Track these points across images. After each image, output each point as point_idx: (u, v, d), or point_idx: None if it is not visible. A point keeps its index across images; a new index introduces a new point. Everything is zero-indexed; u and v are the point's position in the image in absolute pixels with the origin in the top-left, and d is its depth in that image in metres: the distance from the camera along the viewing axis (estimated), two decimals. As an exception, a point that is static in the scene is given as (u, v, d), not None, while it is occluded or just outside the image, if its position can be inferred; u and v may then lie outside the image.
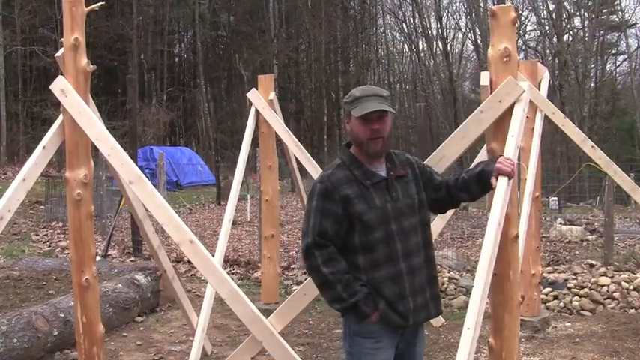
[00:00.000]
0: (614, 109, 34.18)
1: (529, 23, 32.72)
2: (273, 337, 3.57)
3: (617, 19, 32.02)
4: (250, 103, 6.51)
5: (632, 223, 12.90)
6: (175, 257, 9.00)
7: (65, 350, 5.36)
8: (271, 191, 6.78)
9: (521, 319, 3.78)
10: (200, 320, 4.88)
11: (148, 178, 3.88)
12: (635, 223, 12.81)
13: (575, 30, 30.92)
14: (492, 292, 3.09)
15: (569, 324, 6.42)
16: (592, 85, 30.79)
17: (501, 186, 2.86)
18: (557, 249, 10.17)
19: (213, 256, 4.19)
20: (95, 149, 3.87)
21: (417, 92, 35.45)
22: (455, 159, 3.31)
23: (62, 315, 5.36)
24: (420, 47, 34.43)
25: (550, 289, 7.11)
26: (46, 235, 11.51)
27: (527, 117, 4.15)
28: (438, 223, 5.40)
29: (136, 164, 4.41)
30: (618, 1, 32.15)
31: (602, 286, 7.13)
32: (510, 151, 3.01)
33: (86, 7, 3.84)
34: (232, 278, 5.09)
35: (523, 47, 31.58)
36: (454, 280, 7.37)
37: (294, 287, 7.38)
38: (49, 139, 3.82)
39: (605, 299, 7.01)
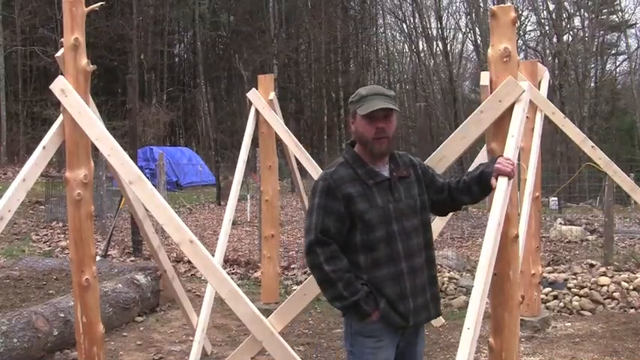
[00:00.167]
0: (614, 109, 34.18)
1: (529, 23, 32.78)
2: (273, 337, 3.57)
3: (617, 19, 32.03)
4: (250, 103, 6.51)
5: (632, 223, 12.90)
6: (175, 257, 9.01)
7: (65, 350, 5.36)
8: (271, 191, 6.77)
9: (521, 319, 3.78)
10: (200, 320, 4.88)
11: (148, 178, 3.88)
12: (635, 223, 12.81)
13: (575, 30, 30.95)
14: (492, 292, 3.09)
15: (569, 324, 6.42)
16: (592, 85, 30.79)
17: (501, 186, 2.86)
18: (557, 249, 10.17)
19: (213, 256, 4.19)
20: (95, 149, 3.87)
21: (417, 92, 35.46)
22: (455, 159, 3.31)
23: (62, 315, 5.36)
24: (420, 47, 34.47)
25: (550, 289, 7.11)
26: (46, 235, 11.51)
27: (527, 117, 4.15)
28: (438, 224, 5.39)
29: (136, 164, 4.41)
30: (618, 1, 32.18)
31: (602, 286, 7.13)
32: (510, 151, 3.01)
33: (86, 7, 3.84)
34: (232, 278, 5.09)
35: (523, 47, 31.60)
36: (454, 280, 7.37)
37: (294, 287, 7.38)
38: (49, 139, 3.82)
39: (605, 299, 7.01)
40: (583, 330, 6.18)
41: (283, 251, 9.43)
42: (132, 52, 30.86)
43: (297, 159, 6.54)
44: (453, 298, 7.17)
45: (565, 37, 30.12)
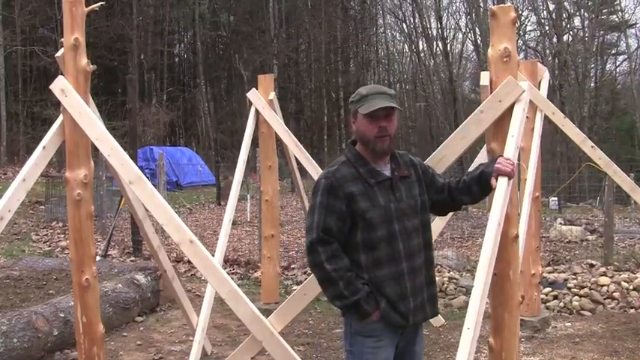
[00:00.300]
0: (614, 109, 34.18)
1: (529, 23, 32.77)
2: (273, 337, 3.57)
3: (617, 19, 32.02)
4: (250, 103, 6.51)
5: (632, 223, 12.90)
6: (175, 257, 9.01)
7: (65, 350, 5.36)
8: (271, 191, 6.77)
9: (521, 319, 3.78)
10: (200, 320, 4.88)
11: (148, 178, 3.88)
12: (635, 223, 12.81)
13: (575, 30, 30.94)
14: (492, 292, 3.09)
15: (569, 324, 6.42)
16: (592, 85, 30.78)
17: (501, 186, 2.87)
18: (557, 249, 10.16)
19: (213, 256, 4.19)
20: (95, 149, 3.87)
21: (417, 92, 35.45)
22: (455, 159, 3.31)
23: (62, 315, 5.35)
24: (420, 47, 34.46)
25: (550, 289, 7.11)
26: (46, 235, 11.51)
27: (527, 117, 4.15)
28: (438, 224, 5.39)
29: (136, 164, 4.42)
30: (618, 1, 32.17)
31: (602, 286, 7.13)
32: (510, 151, 3.01)
33: (86, 7, 3.84)
34: (232, 278, 5.09)
35: (523, 47, 31.60)
36: (454, 280, 7.37)
37: (294, 287, 7.38)
38: (49, 139, 3.82)
39: (605, 299, 7.01)
40: (583, 330, 6.18)
41: (283, 251, 9.43)
42: (132, 52, 30.86)
43: (297, 159, 6.54)
44: (453, 298, 7.17)
45: (565, 37, 30.12)
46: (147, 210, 4.15)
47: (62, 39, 3.82)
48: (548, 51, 32.08)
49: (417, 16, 33.39)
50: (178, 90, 34.74)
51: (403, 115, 33.63)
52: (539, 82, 5.89)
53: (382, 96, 2.74)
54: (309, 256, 2.73)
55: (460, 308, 6.87)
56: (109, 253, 9.75)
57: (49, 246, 10.66)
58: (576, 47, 29.81)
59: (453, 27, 35.60)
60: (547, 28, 31.41)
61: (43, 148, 3.80)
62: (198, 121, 33.88)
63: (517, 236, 3.19)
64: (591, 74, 30.60)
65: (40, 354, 5.09)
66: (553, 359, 5.36)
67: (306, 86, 37.11)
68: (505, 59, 3.14)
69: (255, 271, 8.46)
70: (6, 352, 4.74)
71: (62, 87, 3.79)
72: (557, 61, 30.01)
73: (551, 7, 30.92)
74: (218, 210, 15.73)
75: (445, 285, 7.28)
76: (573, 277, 7.36)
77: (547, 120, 5.60)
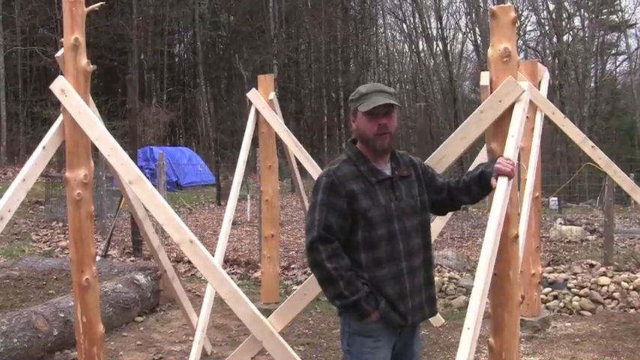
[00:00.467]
0: (614, 109, 34.18)
1: (529, 23, 32.78)
2: (273, 337, 3.58)
3: (617, 19, 32.03)
4: (250, 103, 6.51)
5: (632, 223, 12.90)
6: (175, 257, 9.01)
7: (65, 350, 5.36)
8: (271, 191, 6.77)
9: (521, 319, 3.78)
10: (200, 320, 4.88)
11: (147, 178, 3.88)
12: (635, 223, 12.81)
13: (575, 30, 30.95)
14: (492, 292, 3.09)
15: (569, 324, 6.42)
16: (592, 85, 30.79)
17: (501, 186, 2.86)
18: (557, 249, 10.16)
19: (213, 256, 4.19)
20: (95, 149, 3.87)
21: (417, 92, 35.45)
22: (455, 159, 3.31)
23: (62, 315, 5.35)
24: (420, 47, 34.47)
25: (550, 289, 7.11)
26: (46, 235, 11.51)
27: (527, 117, 4.15)
28: (437, 224, 5.40)
29: (136, 164, 4.41)
30: (618, 1, 32.16)
31: (602, 286, 7.13)
32: (510, 151, 3.01)
33: (86, 7, 3.84)
34: (232, 278, 5.09)
35: (523, 47, 31.60)
36: (454, 280, 7.37)
37: (294, 287, 7.38)
38: (49, 139, 3.82)
39: (605, 299, 7.01)
40: (583, 330, 6.18)
41: (283, 251, 9.43)
42: (132, 52, 30.87)
43: (297, 159, 6.54)
44: (453, 298, 7.17)
45: (565, 37, 30.13)
46: (147, 210, 4.15)
47: (62, 39, 3.82)
48: (548, 51, 32.10)
49: (417, 16, 33.41)
50: (178, 90, 34.74)
51: (403, 115, 33.65)
52: (539, 82, 5.89)
53: (382, 94, 2.74)
54: (310, 255, 2.72)
55: (460, 308, 6.87)
56: (109, 253, 9.75)
57: (49, 246, 10.66)
58: (576, 47, 29.82)
59: (453, 27, 35.67)
60: (547, 28, 31.44)
61: (43, 148, 3.80)
62: (198, 121, 33.89)
63: (517, 236, 3.19)
64: (591, 74, 30.61)
65: (40, 354, 5.09)
66: (553, 359, 5.36)
67: (306, 86, 37.11)
68: (505, 59, 3.14)
69: (255, 271, 8.46)
70: (6, 352, 4.74)
71: (62, 87, 3.79)
72: (557, 61, 30.02)
73: (551, 7, 30.96)
74: (218, 210, 15.73)
75: (445, 285, 7.28)
76: (573, 277, 7.36)
77: (547, 120, 5.60)
